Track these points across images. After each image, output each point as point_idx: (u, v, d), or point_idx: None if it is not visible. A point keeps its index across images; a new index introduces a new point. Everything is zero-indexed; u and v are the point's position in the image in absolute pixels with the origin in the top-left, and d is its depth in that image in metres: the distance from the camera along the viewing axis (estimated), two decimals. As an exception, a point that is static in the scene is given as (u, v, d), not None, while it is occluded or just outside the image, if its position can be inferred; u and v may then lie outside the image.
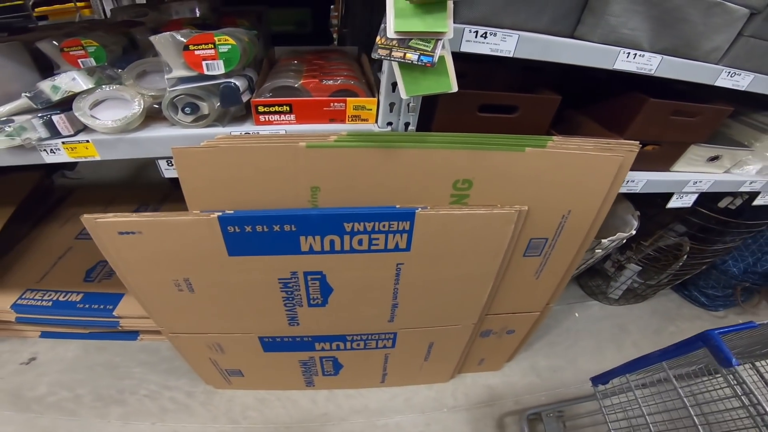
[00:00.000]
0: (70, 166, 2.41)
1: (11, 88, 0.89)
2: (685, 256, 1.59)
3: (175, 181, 0.85)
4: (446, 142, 0.82)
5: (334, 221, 0.85)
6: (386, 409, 1.48)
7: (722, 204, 1.48)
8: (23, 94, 0.83)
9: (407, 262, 0.95)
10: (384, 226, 0.86)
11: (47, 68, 0.93)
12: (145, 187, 2.13)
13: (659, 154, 1.10)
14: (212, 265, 0.92)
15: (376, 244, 0.90)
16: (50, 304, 1.52)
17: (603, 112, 1.08)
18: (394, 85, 0.80)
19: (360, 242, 0.89)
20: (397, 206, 0.85)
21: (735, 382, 0.85)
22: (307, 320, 1.11)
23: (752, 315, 1.98)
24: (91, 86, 0.85)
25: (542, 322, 1.35)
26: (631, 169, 0.92)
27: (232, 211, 0.82)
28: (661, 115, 0.98)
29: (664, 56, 0.86)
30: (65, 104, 0.85)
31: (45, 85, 0.83)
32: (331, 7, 2.44)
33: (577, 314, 1.93)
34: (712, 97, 1.04)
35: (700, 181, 1.17)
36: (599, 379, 1.14)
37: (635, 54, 0.84)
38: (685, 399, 0.93)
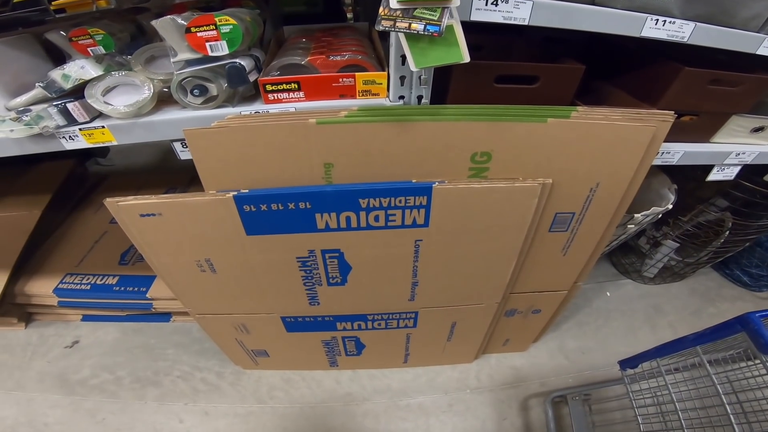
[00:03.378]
0: (102, 153, 2.51)
1: (26, 79, 0.91)
2: (727, 232, 1.51)
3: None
4: (462, 114, 0.79)
5: (349, 197, 0.83)
6: (409, 390, 1.49)
7: None
8: (37, 84, 0.86)
9: (426, 238, 0.93)
10: (400, 201, 0.84)
11: (61, 59, 0.94)
12: (174, 171, 2.20)
13: (697, 125, 1.03)
14: (231, 244, 0.92)
15: (393, 220, 0.88)
16: (89, 287, 1.59)
17: (634, 82, 1.02)
18: (404, 57, 0.77)
19: (377, 218, 0.87)
20: (414, 181, 0.83)
21: None
22: (327, 299, 1.11)
23: (799, 296, 1.86)
24: (100, 73, 0.87)
25: (570, 301, 1.31)
26: (668, 141, 0.86)
27: (247, 190, 0.83)
28: (698, 84, 0.91)
29: (698, 23, 0.80)
30: (79, 92, 0.87)
31: (56, 74, 0.85)
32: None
33: (608, 293, 1.87)
34: (757, 66, 0.96)
35: (744, 153, 1.09)
36: (628, 363, 1.10)
37: (665, 21, 0.79)
38: (718, 386, 0.87)
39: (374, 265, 1.00)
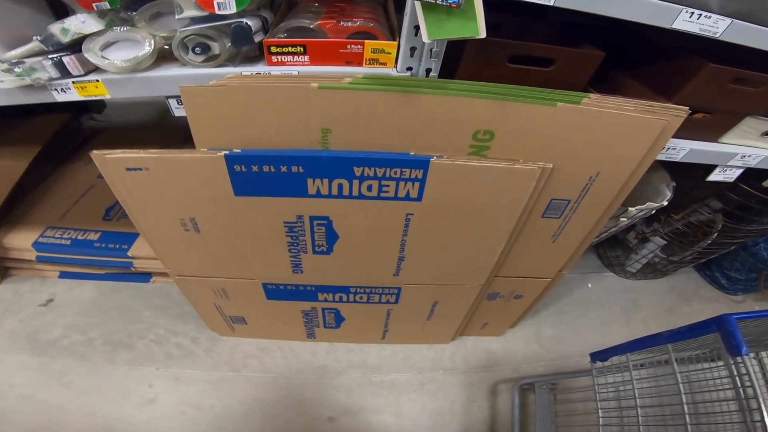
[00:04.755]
0: (98, 108, 2.44)
1: (27, 33, 0.89)
2: (716, 234, 1.52)
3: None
4: (469, 90, 0.77)
5: (344, 164, 0.82)
6: (384, 366, 1.50)
7: (767, 183, 1.37)
8: (34, 37, 0.84)
9: (417, 213, 0.92)
10: (396, 173, 0.83)
11: (64, 14, 0.92)
12: (170, 129, 2.14)
13: (709, 123, 1.01)
14: (218, 205, 0.90)
15: (387, 191, 0.87)
16: (69, 242, 1.54)
17: (652, 75, 1.00)
18: (418, 28, 0.75)
19: (369, 188, 0.86)
20: (412, 153, 0.81)
21: (737, 373, 0.79)
22: (311, 268, 1.09)
23: (770, 303, 1.91)
24: (101, 28, 0.84)
25: (553, 289, 1.32)
26: (675, 137, 0.85)
27: (239, 150, 0.80)
28: (719, 81, 0.89)
29: (735, 20, 0.77)
30: (77, 47, 0.85)
31: (55, 28, 0.83)
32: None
33: (590, 285, 1.89)
34: None
35: (749, 156, 1.07)
36: (598, 356, 1.11)
37: (700, 14, 0.75)
38: (681, 386, 0.88)
39: (362, 236, 0.99)
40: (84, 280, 1.68)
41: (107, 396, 1.35)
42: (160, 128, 2.44)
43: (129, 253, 1.51)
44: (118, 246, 1.53)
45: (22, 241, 1.54)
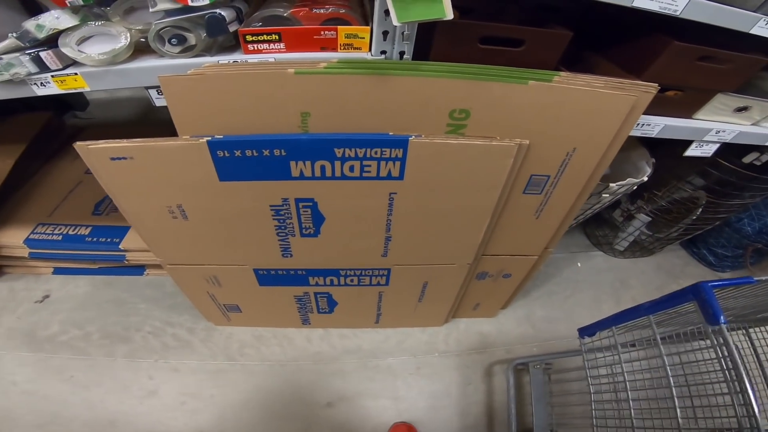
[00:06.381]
0: (81, 106, 2.43)
1: (2, 30, 0.89)
2: (700, 210, 1.54)
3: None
4: (442, 71, 0.79)
5: (325, 146, 0.83)
6: (379, 351, 1.51)
7: (747, 159, 1.42)
8: (9, 35, 0.85)
9: (400, 191, 0.93)
10: (376, 152, 0.84)
11: (39, 12, 0.92)
12: (155, 124, 2.15)
13: (682, 100, 1.05)
14: (204, 190, 0.92)
15: (368, 171, 0.88)
16: (60, 238, 1.55)
17: (623, 54, 1.03)
18: (388, 12, 0.77)
19: (351, 169, 0.87)
20: (390, 133, 0.83)
21: (718, 343, 0.77)
22: (300, 251, 1.11)
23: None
24: (75, 23, 0.86)
25: (540, 268, 1.34)
26: (650, 113, 0.88)
27: (221, 136, 0.82)
28: (686, 59, 0.93)
29: None
30: (53, 42, 0.87)
31: (30, 25, 0.85)
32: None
33: (579, 264, 1.91)
34: (753, 48, 0.97)
35: (724, 131, 1.11)
36: (586, 331, 1.11)
37: None
38: (665, 358, 0.88)
39: (348, 216, 1.00)
40: (78, 275, 1.69)
41: (108, 389, 1.36)
42: (145, 123, 2.45)
43: (121, 246, 1.52)
44: (109, 240, 1.54)
45: (13, 238, 1.55)
